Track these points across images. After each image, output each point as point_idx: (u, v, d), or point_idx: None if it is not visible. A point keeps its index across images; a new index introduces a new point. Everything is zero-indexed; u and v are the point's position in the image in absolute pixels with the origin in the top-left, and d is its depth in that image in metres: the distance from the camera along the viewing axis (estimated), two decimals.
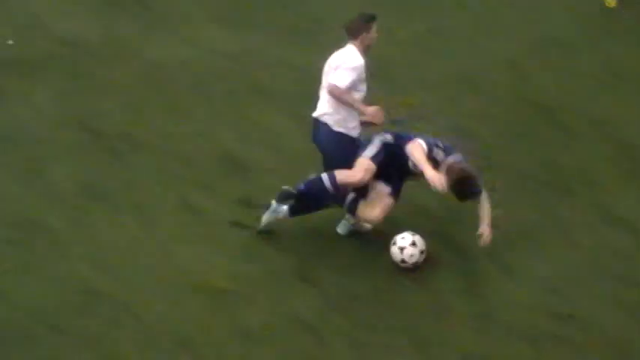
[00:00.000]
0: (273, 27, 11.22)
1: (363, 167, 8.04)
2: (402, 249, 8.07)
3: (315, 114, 8.34)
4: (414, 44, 10.68)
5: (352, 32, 8.31)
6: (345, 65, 8.15)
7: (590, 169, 9.18)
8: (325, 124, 8.24)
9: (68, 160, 9.14)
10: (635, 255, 8.22)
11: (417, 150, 8.07)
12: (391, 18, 10.08)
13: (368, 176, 8.04)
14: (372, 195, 8.18)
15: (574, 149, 9.41)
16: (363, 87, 8.23)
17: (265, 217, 8.25)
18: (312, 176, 8.25)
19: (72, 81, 10.20)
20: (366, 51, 8.30)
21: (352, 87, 8.14)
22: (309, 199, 8.17)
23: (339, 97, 8.13)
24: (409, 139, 8.18)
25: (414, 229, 8.25)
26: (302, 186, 8.22)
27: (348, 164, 8.13)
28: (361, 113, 8.22)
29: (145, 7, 11.51)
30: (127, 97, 10.02)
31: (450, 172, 7.94)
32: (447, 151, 8.15)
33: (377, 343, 7.50)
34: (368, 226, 8.41)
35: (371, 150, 8.11)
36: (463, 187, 7.90)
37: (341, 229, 8.46)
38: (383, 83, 10.24)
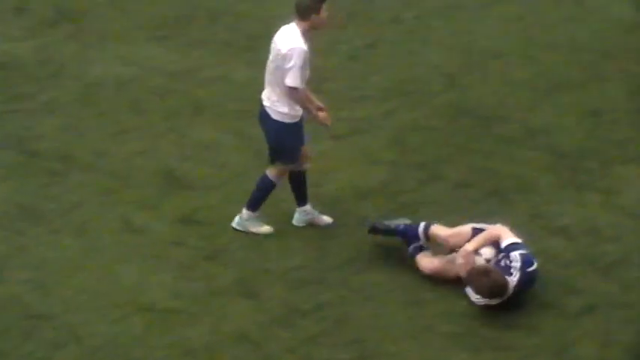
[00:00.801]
0: (211, 44, 11.22)
1: (463, 255, 7.93)
2: (487, 260, 7.99)
3: (263, 100, 8.25)
4: (352, 59, 10.74)
5: (301, 12, 8.03)
6: (293, 59, 7.93)
7: (529, 177, 9.28)
8: (268, 113, 8.19)
9: (6, 182, 9.03)
10: (574, 262, 8.31)
11: (496, 231, 8.00)
12: (330, 34, 10.11)
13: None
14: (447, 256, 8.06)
15: (513, 158, 9.51)
16: (307, 71, 8.09)
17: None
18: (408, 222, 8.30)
19: (8, 102, 10.10)
20: (310, 33, 8.07)
21: (303, 79, 8.02)
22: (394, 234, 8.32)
23: (297, 99, 8.07)
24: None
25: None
26: (401, 226, 8.24)
27: (293, 151, 8.20)
28: (313, 117, 8.21)
29: (80, 27, 11.44)
30: (64, 118, 9.94)
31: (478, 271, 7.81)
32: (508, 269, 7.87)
33: (322, 357, 7.50)
34: (327, 219, 8.51)
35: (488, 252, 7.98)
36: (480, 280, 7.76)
37: (296, 220, 8.54)
38: (324, 97, 10.27)
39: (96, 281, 8.07)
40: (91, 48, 11.07)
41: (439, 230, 8.19)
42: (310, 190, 8.62)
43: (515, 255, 7.84)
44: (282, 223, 8.61)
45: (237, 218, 8.53)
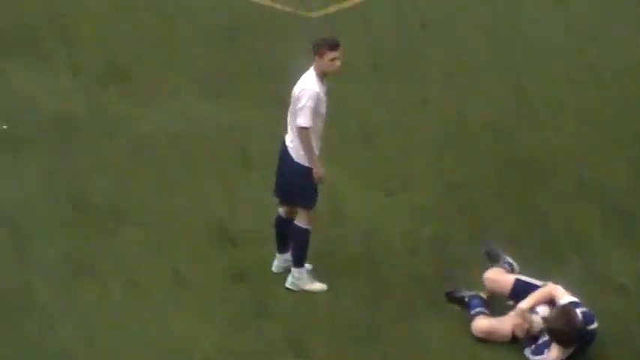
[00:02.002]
0: (261, 100, 11.27)
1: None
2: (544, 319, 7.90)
3: (286, 141, 8.37)
4: (404, 114, 10.74)
5: (313, 50, 8.21)
6: (303, 100, 8.11)
7: (583, 234, 9.16)
8: (288, 152, 8.29)
9: (58, 236, 9.08)
10: (632, 320, 8.15)
11: (551, 289, 7.93)
12: (382, 89, 10.14)
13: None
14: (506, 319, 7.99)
15: (566, 214, 9.40)
16: (322, 111, 8.16)
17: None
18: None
19: (61, 157, 10.19)
20: (321, 73, 8.17)
21: (313, 119, 8.11)
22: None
23: (303, 139, 8.14)
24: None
25: None
26: (474, 301, 8.20)
27: (313, 193, 8.23)
28: (312, 163, 8.19)
29: (133, 83, 11.57)
30: (116, 172, 10.00)
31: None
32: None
33: None
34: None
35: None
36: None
37: (276, 267, 8.60)
38: (375, 152, 10.28)
39: (146, 336, 8.04)
40: (142, 105, 11.18)
41: (487, 273, 8.24)
42: (361, 245, 8.57)
43: (577, 313, 7.70)
44: (335, 278, 8.53)
45: (289, 278, 8.49)
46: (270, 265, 8.71)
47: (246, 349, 7.92)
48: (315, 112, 8.12)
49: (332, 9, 13.36)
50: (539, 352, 7.81)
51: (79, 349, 7.90)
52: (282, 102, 11.24)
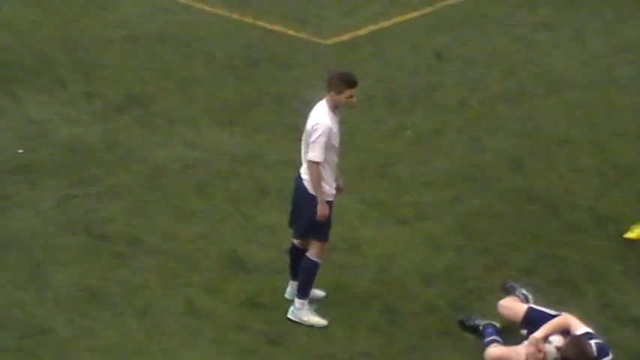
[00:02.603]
0: (276, 128, 11.29)
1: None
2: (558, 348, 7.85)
3: (301, 174, 8.31)
4: (418, 144, 10.74)
5: (327, 84, 8.09)
6: (315, 135, 8.01)
7: (598, 266, 9.12)
8: (303, 185, 8.21)
9: (73, 265, 9.08)
10: None
11: (566, 319, 7.87)
12: (396, 119, 10.14)
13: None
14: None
15: (581, 247, 9.36)
16: (335, 144, 8.06)
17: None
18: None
19: (76, 185, 10.21)
20: (335, 107, 8.07)
21: (324, 154, 8.01)
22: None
23: (313, 173, 8.06)
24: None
25: None
26: (488, 330, 8.15)
27: (326, 227, 8.18)
28: (319, 198, 8.07)
29: (148, 112, 11.61)
30: (131, 201, 10.01)
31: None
32: None
33: None
34: (320, 293, 8.44)
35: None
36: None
37: (289, 294, 8.53)
38: (389, 182, 10.27)
39: None
40: (157, 132, 11.20)
41: (501, 301, 8.26)
42: (376, 275, 8.54)
43: (591, 344, 7.66)
44: (349, 306, 8.52)
45: (291, 307, 8.46)
46: (284, 292, 8.70)
47: None
48: (327, 146, 8.05)
49: (346, 36, 13.40)
50: None
51: None
52: (296, 129, 11.26)
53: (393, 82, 12.29)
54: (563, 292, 8.77)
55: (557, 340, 7.85)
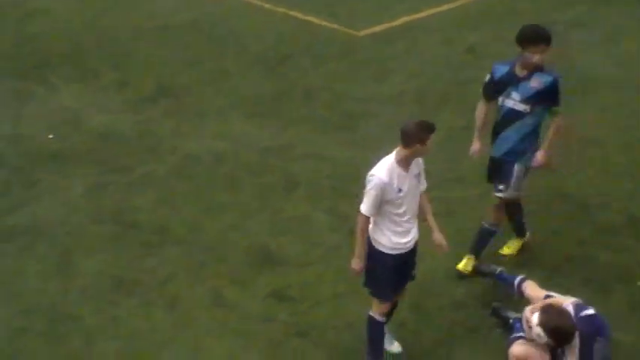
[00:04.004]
0: (307, 121, 11.29)
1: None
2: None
3: None
4: (449, 139, 10.68)
5: (405, 139, 7.40)
6: (368, 186, 7.43)
7: (629, 267, 9.05)
8: (371, 241, 7.60)
9: (102, 254, 9.13)
10: None
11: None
12: (426, 115, 10.08)
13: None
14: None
15: (611, 247, 9.29)
16: (397, 200, 7.43)
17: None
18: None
19: (107, 175, 10.26)
20: (410, 160, 7.49)
21: (376, 208, 7.43)
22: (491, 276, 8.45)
23: (358, 223, 7.51)
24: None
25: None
26: (517, 325, 8.00)
27: (369, 275, 7.62)
28: (356, 250, 7.53)
29: (179, 102, 11.64)
30: (160, 191, 10.04)
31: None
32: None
33: None
34: (396, 348, 7.97)
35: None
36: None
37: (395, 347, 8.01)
38: None
39: (186, 356, 8.05)
40: (188, 123, 11.23)
41: (528, 287, 8.19)
42: None
43: (567, 304, 7.61)
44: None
45: None
46: (313, 286, 8.67)
47: None
48: (382, 200, 7.37)
49: (380, 27, 13.35)
50: None
51: None
52: (327, 122, 11.30)
53: (426, 76, 12.25)
54: (591, 291, 8.69)
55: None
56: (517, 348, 7.92)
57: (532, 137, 8.58)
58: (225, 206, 9.85)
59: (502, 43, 12.98)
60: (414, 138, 7.39)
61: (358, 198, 9.35)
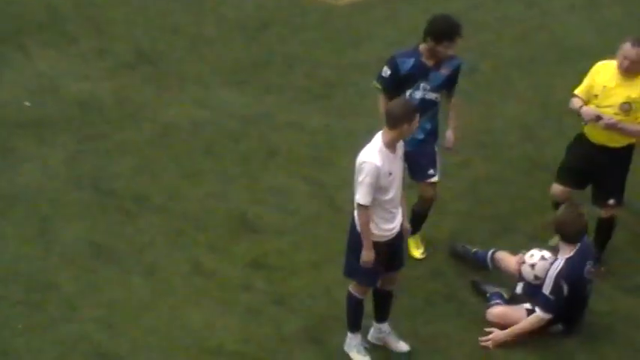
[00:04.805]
0: (286, 89, 11.26)
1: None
2: (532, 266, 8.10)
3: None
4: None
5: (393, 121, 7.26)
6: (361, 175, 7.27)
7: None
8: (356, 225, 7.48)
9: (80, 221, 9.11)
10: None
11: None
12: None
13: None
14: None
15: (588, 215, 9.32)
16: (389, 185, 7.33)
17: None
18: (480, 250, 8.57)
19: (85, 142, 10.21)
20: (397, 142, 7.35)
21: (373, 194, 7.28)
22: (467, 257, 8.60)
23: (360, 216, 7.35)
24: None
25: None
26: (494, 296, 8.26)
27: (362, 269, 7.47)
28: (365, 242, 7.37)
29: (158, 70, 11.58)
30: (139, 159, 10.02)
31: None
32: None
33: None
34: (403, 347, 7.83)
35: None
36: None
37: (371, 336, 7.90)
38: None
39: (164, 323, 8.07)
40: (167, 90, 11.19)
41: (500, 257, 8.44)
42: None
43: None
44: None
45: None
46: (291, 254, 8.70)
47: (262, 338, 7.93)
48: (376, 187, 7.25)
49: None
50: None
51: (98, 331, 7.94)
52: (306, 91, 11.28)
53: (404, 44, 12.19)
54: None
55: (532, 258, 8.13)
56: (496, 308, 8.08)
57: (436, 120, 8.47)
58: (204, 174, 9.84)
59: (480, 11, 12.99)
60: (403, 119, 7.25)
61: (336, 166, 9.44)
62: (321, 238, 8.83)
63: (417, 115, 7.36)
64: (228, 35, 12.34)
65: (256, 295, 8.35)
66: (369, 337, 7.90)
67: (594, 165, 8.46)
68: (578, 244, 7.94)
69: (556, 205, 8.57)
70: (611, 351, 7.91)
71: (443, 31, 8.12)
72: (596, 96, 8.33)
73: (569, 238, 7.93)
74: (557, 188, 8.66)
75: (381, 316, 7.85)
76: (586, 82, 8.49)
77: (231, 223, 9.18)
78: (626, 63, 8.17)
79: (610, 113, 8.22)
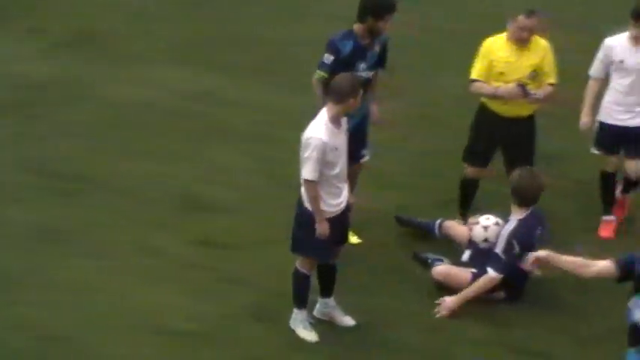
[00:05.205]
0: (230, 67, 11.24)
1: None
2: (486, 227, 8.28)
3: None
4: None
5: (338, 96, 7.30)
6: (307, 150, 7.29)
7: (545, 204, 9.20)
8: (304, 201, 7.51)
9: (22, 202, 9.05)
10: (589, 290, 8.23)
11: None
12: None
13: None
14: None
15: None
16: (335, 160, 7.38)
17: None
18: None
19: (24, 124, 10.12)
20: (340, 117, 7.39)
21: (320, 169, 7.33)
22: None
23: (308, 190, 7.39)
24: None
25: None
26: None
27: (310, 243, 7.50)
28: (316, 216, 7.42)
29: (101, 48, 11.50)
30: (84, 139, 9.96)
31: None
32: None
33: None
34: (349, 321, 7.87)
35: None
36: None
37: (316, 311, 7.93)
38: None
39: (110, 303, 8.04)
40: (110, 70, 11.11)
41: (449, 226, 8.62)
42: None
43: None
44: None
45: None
46: (237, 231, 8.71)
47: (210, 316, 7.95)
48: (322, 162, 7.29)
49: None
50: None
51: (43, 314, 7.90)
52: (251, 67, 11.26)
53: (346, 20, 12.18)
54: None
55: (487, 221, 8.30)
56: (440, 267, 8.24)
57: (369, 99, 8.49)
58: (148, 153, 9.81)
59: None
60: (349, 93, 7.29)
61: (281, 142, 9.47)
62: (267, 215, 8.86)
63: (361, 90, 7.39)
64: (170, 12, 12.27)
65: (203, 273, 8.36)
66: (315, 312, 7.94)
67: (509, 138, 8.59)
68: (531, 208, 8.08)
69: (466, 189, 8.75)
70: (554, 317, 8.03)
71: (383, 5, 8.18)
72: (502, 73, 8.44)
73: (524, 202, 8.10)
74: (471, 170, 8.77)
75: (326, 291, 7.90)
76: (482, 63, 8.56)
77: (177, 201, 9.17)
78: (524, 34, 8.35)
79: None
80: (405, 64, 11.24)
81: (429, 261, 8.40)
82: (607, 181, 8.84)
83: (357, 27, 8.31)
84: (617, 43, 8.43)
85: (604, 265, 6.73)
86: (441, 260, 8.37)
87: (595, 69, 8.57)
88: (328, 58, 8.22)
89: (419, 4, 12.43)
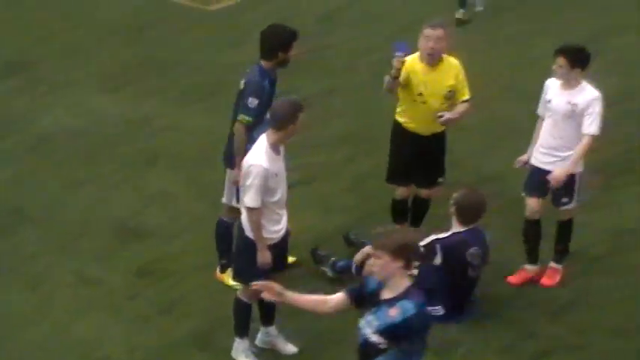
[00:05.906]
0: (164, 93, 11.18)
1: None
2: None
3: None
4: (309, 106, 10.69)
5: (278, 123, 7.18)
6: (249, 178, 7.17)
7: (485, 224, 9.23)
8: (245, 229, 7.34)
9: None
10: (526, 308, 8.23)
11: None
12: (286, 81, 10.08)
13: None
14: None
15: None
16: (276, 186, 7.24)
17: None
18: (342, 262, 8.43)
19: None
20: (280, 144, 7.28)
21: (261, 198, 7.20)
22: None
23: (251, 219, 7.24)
24: None
25: None
26: (338, 263, 8.37)
27: (249, 272, 7.28)
28: (258, 245, 7.28)
29: (29, 77, 11.36)
30: (14, 170, 9.81)
31: None
32: None
33: None
34: (291, 349, 7.78)
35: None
36: None
37: (258, 340, 7.80)
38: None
39: (48, 336, 7.88)
40: (41, 99, 10.97)
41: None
42: None
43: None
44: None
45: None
46: (178, 259, 8.60)
47: (150, 346, 7.81)
48: (264, 189, 7.17)
49: (231, 1, 13.30)
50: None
51: None
52: (183, 95, 11.18)
53: None
54: None
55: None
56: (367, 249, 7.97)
57: None
58: (84, 182, 9.67)
59: (358, 9, 13.10)
60: (288, 119, 7.17)
61: (220, 167, 9.34)
62: (208, 241, 8.74)
63: (302, 115, 7.27)
64: (104, 40, 12.17)
65: (143, 303, 8.22)
66: (257, 341, 7.81)
67: (426, 154, 8.62)
68: (471, 226, 8.08)
69: (397, 209, 8.69)
70: (496, 335, 8.02)
71: (288, 37, 8.10)
72: (420, 94, 8.41)
73: (465, 219, 8.09)
74: (402, 190, 8.75)
75: (267, 319, 7.79)
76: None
77: (114, 231, 9.03)
78: (430, 44, 8.25)
79: (437, 105, 8.39)
80: (342, 88, 11.27)
81: (333, 258, 8.34)
82: (529, 229, 8.60)
83: (266, 64, 8.11)
84: (552, 84, 8.41)
85: (338, 298, 6.36)
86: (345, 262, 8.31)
87: (539, 107, 8.57)
88: (253, 102, 7.98)
89: (350, 29, 12.49)
